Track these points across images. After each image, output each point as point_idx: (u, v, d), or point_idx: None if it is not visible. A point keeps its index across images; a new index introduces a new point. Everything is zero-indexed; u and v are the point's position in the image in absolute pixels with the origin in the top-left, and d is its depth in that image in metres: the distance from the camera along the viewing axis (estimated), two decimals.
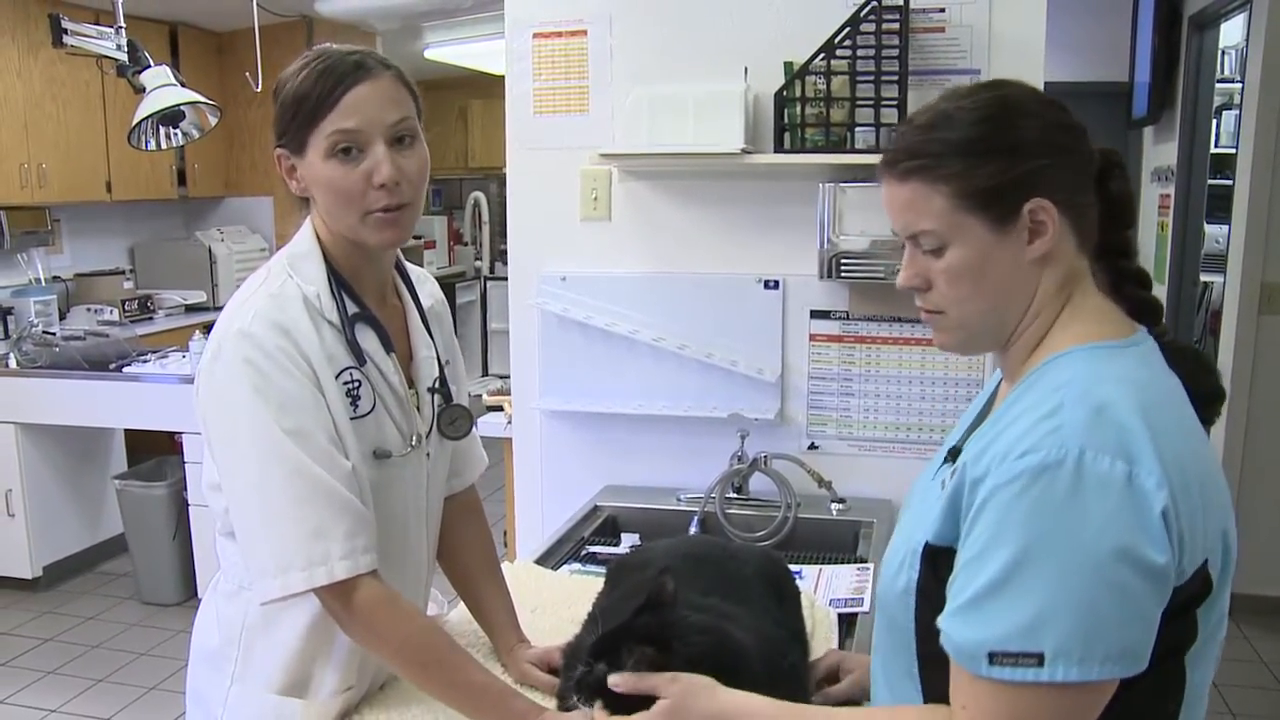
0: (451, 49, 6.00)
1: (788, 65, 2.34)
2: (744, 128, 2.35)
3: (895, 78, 2.27)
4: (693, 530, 2.37)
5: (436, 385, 1.49)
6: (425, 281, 1.58)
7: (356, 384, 1.35)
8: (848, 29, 2.27)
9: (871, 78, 2.29)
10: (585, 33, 2.51)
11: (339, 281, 1.37)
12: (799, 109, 2.34)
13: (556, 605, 1.77)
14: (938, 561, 1.07)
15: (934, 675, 1.09)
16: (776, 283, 2.50)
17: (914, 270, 1.13)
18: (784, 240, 2.48)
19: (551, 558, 2.16)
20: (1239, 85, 4.66)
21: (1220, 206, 4.67)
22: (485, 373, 7.61)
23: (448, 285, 7.93)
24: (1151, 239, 5.26)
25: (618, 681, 1.16)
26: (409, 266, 1.55)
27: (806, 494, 2.40)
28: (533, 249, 2.64)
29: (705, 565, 1.45)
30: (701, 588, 1.37)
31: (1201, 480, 1.01)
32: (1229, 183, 4.43)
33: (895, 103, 2.28)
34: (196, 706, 1.49)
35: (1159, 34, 4.95)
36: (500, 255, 3.15)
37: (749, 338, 2.52)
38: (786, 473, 2.40)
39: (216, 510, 1.38)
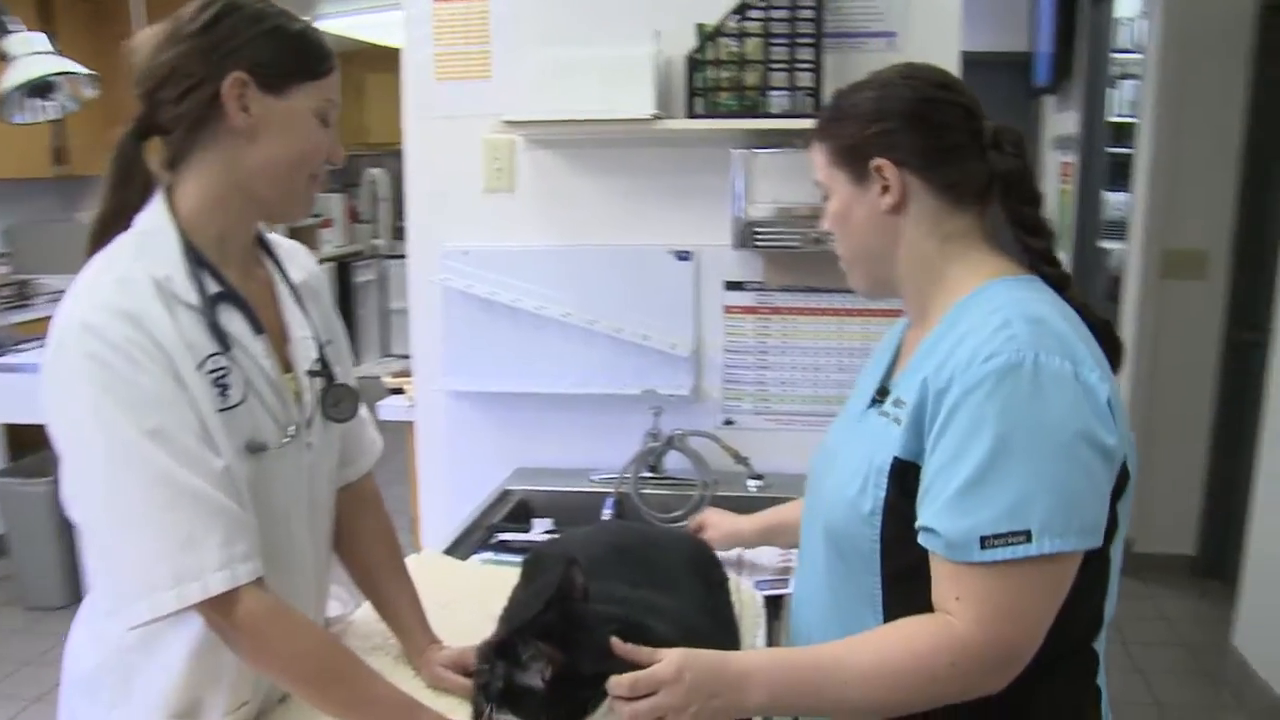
0: (344, 20, 5.79)
1: (700, 27, 2.25)
2: (654, 93, 2.26)
3: (811, 40, 2.20)
4: (607, 513, 2.28)
5: (316, 367, 1.36)
6: (296, 255, 1.44)
7: (224, 372, 1.20)
8: None
9: (786, 40, 2.22)
10: None
11: (197, 259, 1.23)
12: (711, 72, 2.26)
13: (469, 600, 1.66)
14: (906, 477, 1.14)
15: (899, 592, 1.17)
16: (689, 254, 2.43)
17: (824, 217, 1.30)
18: (696, 210, 2.41)
19: (460, 547, 2.06)
20: (1135, 56, 4.72)
21: (1119, 174, 4.73)
22: (385, 353, 7.44)
23: (345, 264, 7.74)
24: (1054, 206, 5.33)
25: (617, 644, 1.09)
26: (274, 239, 1.40)
27: (724, 471, 2.34)
28: (433, 223, 2.52)
29: (629, 555, 1.36)
30: (629, 579, 1.29)
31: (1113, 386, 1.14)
32: (1127, 151, 4.49)
33: (810, 65, 2.20)
34: None
35: (1058, 4, 5.00)
36: (399, 233, 3.01)
37: (661, 311, 2.45)
38: (703, 450, 2.34)
39: (78, 523, 1.22)
